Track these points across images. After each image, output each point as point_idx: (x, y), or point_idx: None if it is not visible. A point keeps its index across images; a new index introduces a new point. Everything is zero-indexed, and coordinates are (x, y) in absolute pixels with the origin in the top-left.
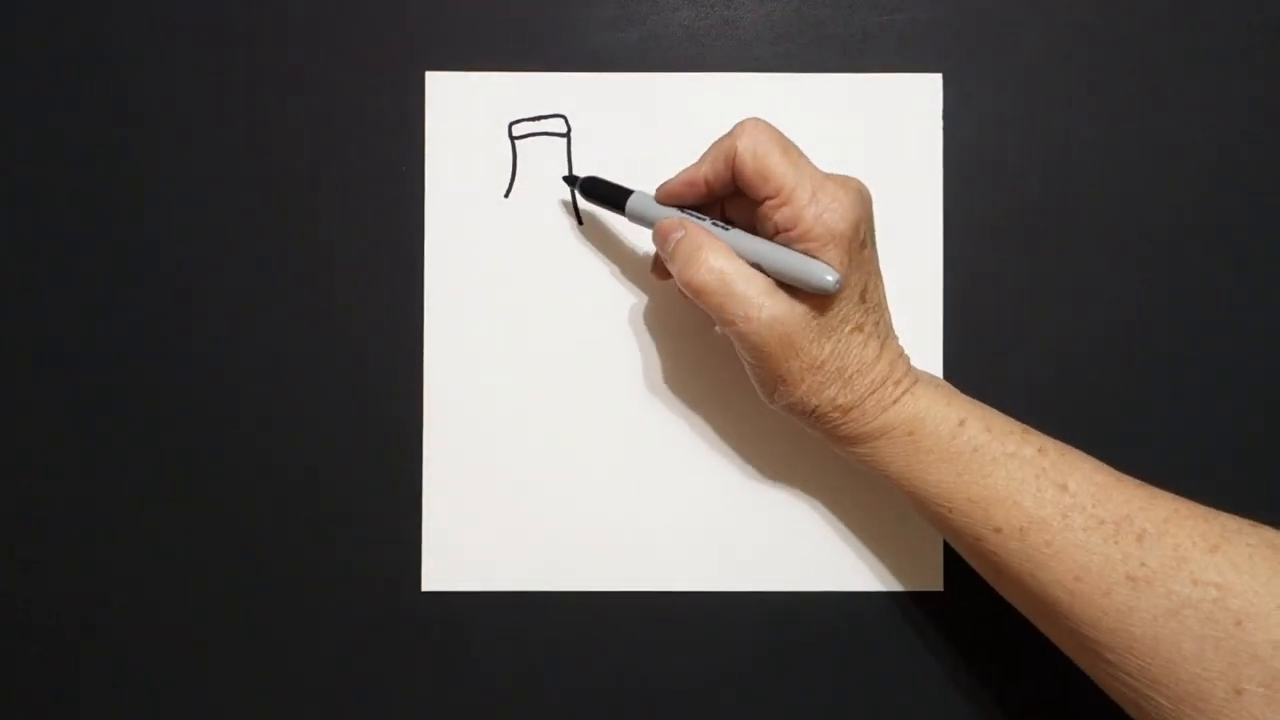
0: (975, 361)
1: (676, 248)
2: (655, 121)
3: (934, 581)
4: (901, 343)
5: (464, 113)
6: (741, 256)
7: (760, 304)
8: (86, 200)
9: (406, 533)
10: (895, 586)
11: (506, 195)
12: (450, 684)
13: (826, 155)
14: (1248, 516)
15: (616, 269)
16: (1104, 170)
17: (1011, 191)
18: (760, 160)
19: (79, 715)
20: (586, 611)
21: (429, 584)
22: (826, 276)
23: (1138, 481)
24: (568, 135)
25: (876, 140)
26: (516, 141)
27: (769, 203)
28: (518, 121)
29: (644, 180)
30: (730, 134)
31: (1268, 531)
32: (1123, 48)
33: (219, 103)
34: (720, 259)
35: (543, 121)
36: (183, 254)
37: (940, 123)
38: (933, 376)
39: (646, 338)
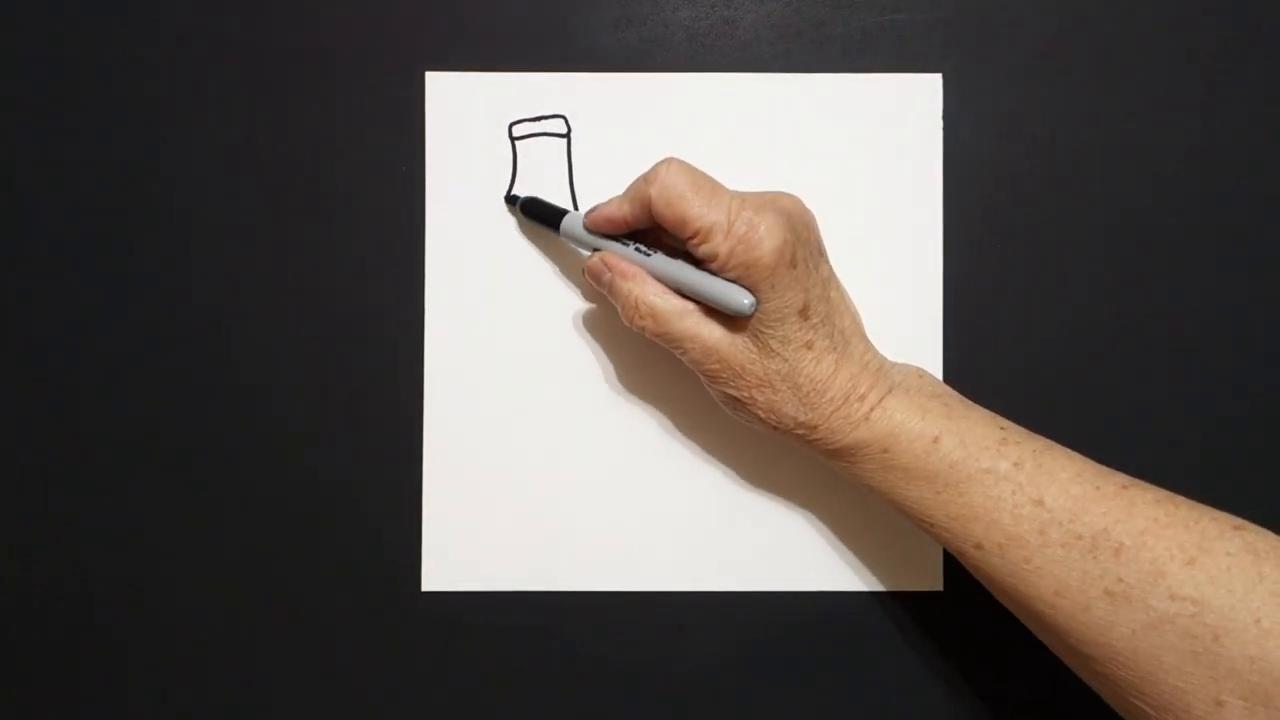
0: (975, 361)
1: (610, 289)
2: (655, 121)
3: (934, 581)
4: (884, 345)
5: (464, 113)
6: (665, 283)
7: (694, 335)
8: (85, 200)
9: (406, 533)
10: (895, 586)
11: (507, 196)
12: (450, 684)
13: (827, 155)
14: (1247, 514)
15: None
16: (1104, 170)
17: (1011, 191)
18: (673, 207)
19: (78, 714)
20: (586, 611)
21: (429, 584)
22: (743, 300)
23: (1119, 483)
24: (568, 135)
25: (876, 140)
26: (517, 142)
27: (690, 242)
28: (518, 122)
29: None
30: (645, 178)
31: (1250, 533)
32: (1123, 47)
33: (219, 103)
34: (650, 299)
35: (543, 122)
36: (182, 254)
37: (940, 123)
38: (914, 377)
39: (646, 338)
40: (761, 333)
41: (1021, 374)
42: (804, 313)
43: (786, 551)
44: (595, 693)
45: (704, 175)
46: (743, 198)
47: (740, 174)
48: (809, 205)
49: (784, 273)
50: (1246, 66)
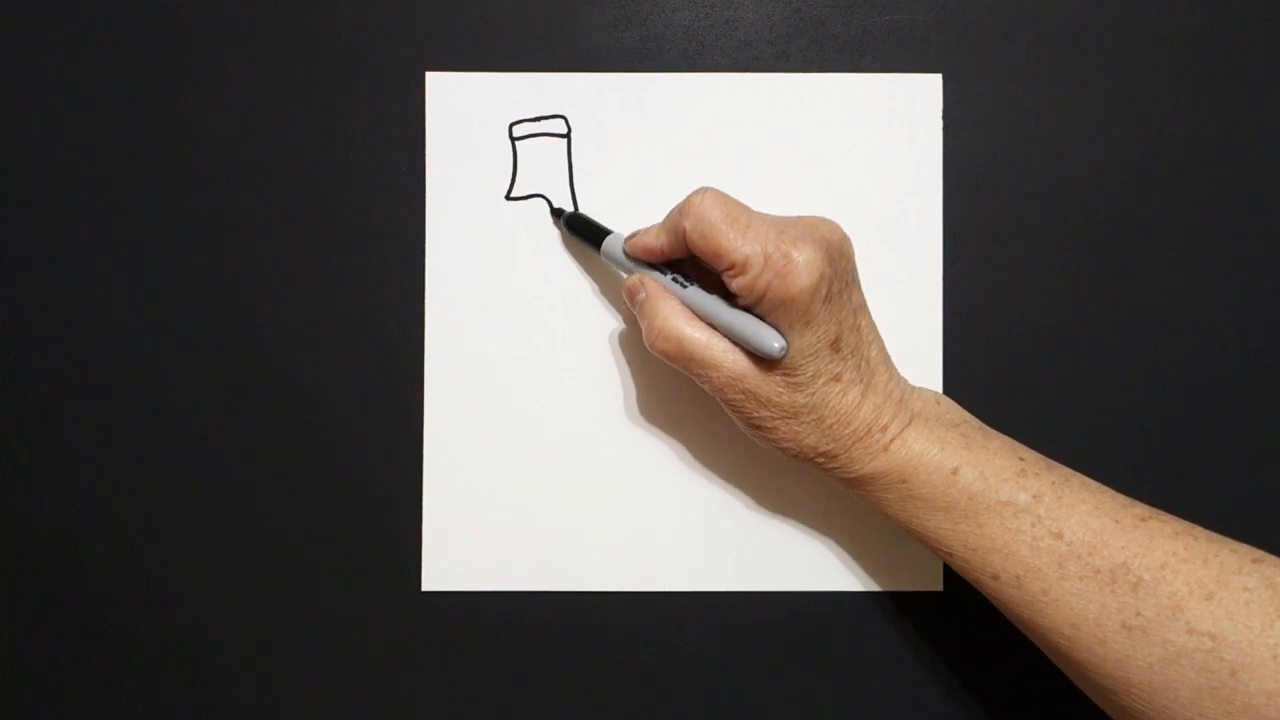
0: (974, 361)
1: (640, 309)
2: (655, 121)
3: (934, 582)
4: (901, 366)
5: (464, 113)
6: (698, 315)
7: (718, 364)
8: (83, 199)
9: (406, 533)
10: (895, 586)
11: (507, 196)
12: (450, 684)
13: (826, 155)
14: (1250, 521)
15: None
16: (1103, 170)
17: (1011, 191)
18: (708, 240)
19: (75, 712)
20: (586, 611)
21: (429, 584)
22: (773, 344)
23: (1138, 515)
24: (568, 136)
25: (876, 140)
26: (517, 142)
27: (725, 274)
28: (518, 122)
29: (643, 182)
30: (680, 210)
31: (1269, 567)
32: (1122, 48)
33: (220, 103)
34: (676, 324)
35: (543, 122)
36: (182, 253)
37: (940, 123)
38: (933, 404)
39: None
40: (791, 366)
41: (1021, 373)
42: (835, 345)
43: (786, 551)
44: (595, 693)
45: (739, 205)
46: (780, 229)
47: (740, 174)
48: (808, 207)
49: (819, 307)
50: (1246, 66)
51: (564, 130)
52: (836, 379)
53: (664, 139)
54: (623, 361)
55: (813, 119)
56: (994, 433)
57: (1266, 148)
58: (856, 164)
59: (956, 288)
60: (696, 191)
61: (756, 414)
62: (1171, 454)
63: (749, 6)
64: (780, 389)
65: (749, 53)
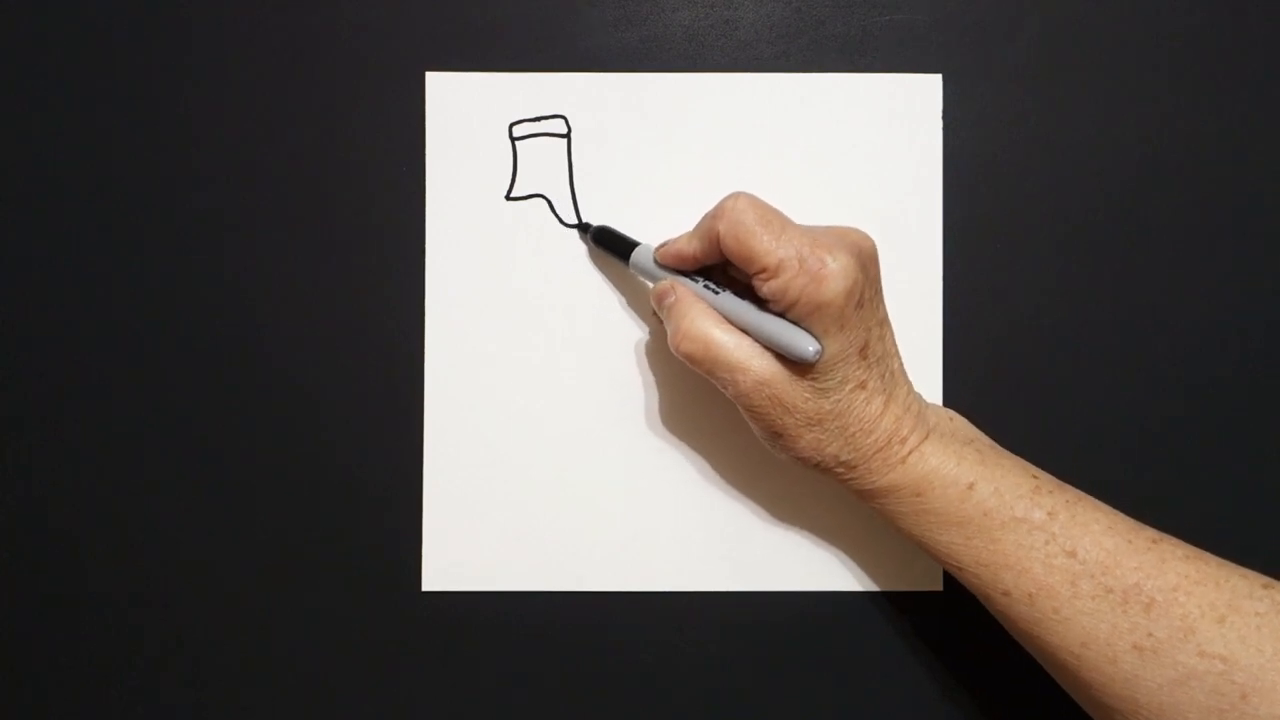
0: (975, 362)
1: (669, 312)
2: (655, 121)
3: (934, 582)
4: (911, 379)
5: (464, 113)
6: (730, 320)
7: (746, 368)
8: (83, 199)
9: (406, 533)
10: (895, 586)
11: (507, 196)
12: (450, 684)
13: (826, 155)
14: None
15: (617, 269)
16: (1103, 170)
17: (1011, 191)
18: (742, 243)
19: (75, 714)
20: (586, 611)
21: (429, 584)
22: (808, 348)
23: (1150, 537)
24: (568, 136)
25: (876, 140)
26: (517, 142)
27: (757, 278)
28: (518, 122)
29: (643, 182)
30: (713, 214)
31: (1279, 593)
32: (1122, 48)
33: (220, 103)
34: (705, 326)
35: (543, 122)
36: (182, 253)
37: (940, 123)
38: (946, 420)
39: (648, 338)
40: (821, 371)
41: (1021, 373)
42: (863, 352)
43: (786, 551)
44: (595, 693)
45: (773, 210)
46: (813, 235)
47: (740, 174)
48: (808, 207)
49: (852, 313)
50: (1246, 66)
51: (564, 130)
52: (862, 386)
53: (664, 139)
54: (623, 361)
55: (813, 119)
56: (1005, 451)
57: (1266, 148)
58: (856, 164)
59: (956, 288)
60: (730, 195)
61: (780, 421)
62: (1171, 454)
63: (749, 6)
64: (807, 395)
65: (749, 53)
